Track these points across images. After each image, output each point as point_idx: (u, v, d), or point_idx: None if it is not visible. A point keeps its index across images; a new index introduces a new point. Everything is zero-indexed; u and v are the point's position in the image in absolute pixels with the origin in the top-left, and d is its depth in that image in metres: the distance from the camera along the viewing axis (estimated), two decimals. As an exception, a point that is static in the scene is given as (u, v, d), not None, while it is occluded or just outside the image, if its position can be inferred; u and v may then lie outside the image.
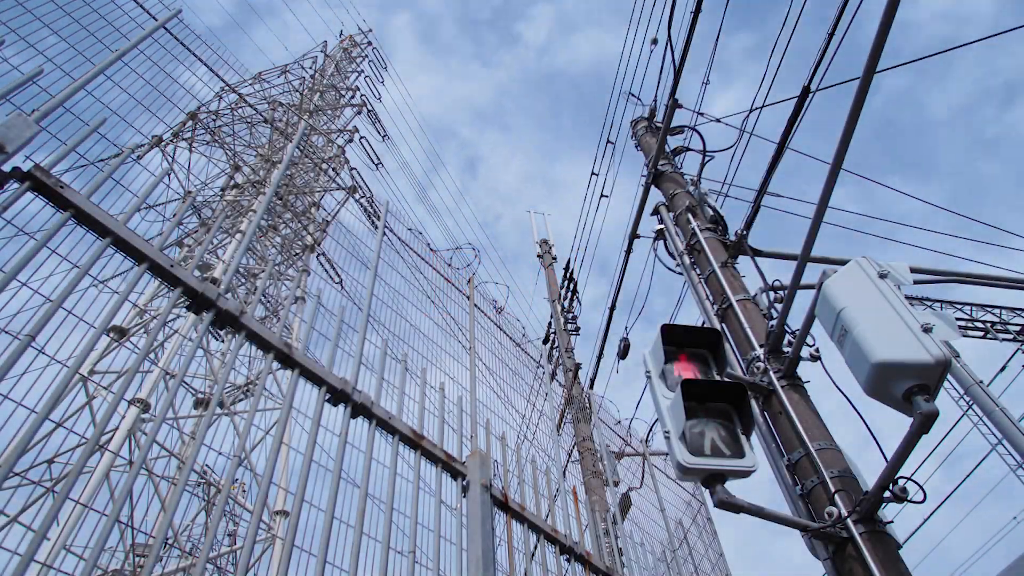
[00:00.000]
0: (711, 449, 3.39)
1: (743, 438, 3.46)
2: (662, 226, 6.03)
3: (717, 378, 3.89)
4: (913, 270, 4.14)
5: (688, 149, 6.68)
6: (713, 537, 9.33)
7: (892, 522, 3.31)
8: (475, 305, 5.25)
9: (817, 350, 4.00)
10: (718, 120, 6.60)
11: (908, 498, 2.97)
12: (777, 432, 3.99)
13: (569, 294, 11.14)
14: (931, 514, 9.65)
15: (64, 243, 2.10)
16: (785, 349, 4.18)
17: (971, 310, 12.30)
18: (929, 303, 11.71)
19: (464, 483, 3.23)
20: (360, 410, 2.87)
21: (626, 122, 7.97)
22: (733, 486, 3.41)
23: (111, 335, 9.88)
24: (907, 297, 3.07)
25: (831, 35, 4.49)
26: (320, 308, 3.15)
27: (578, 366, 10.03)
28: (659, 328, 3.99)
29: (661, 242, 6.08)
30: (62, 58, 5.44)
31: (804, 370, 4.10)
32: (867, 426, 3.41)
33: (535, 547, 3.43)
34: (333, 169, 15.95)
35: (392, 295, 4.99)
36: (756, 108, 5.65)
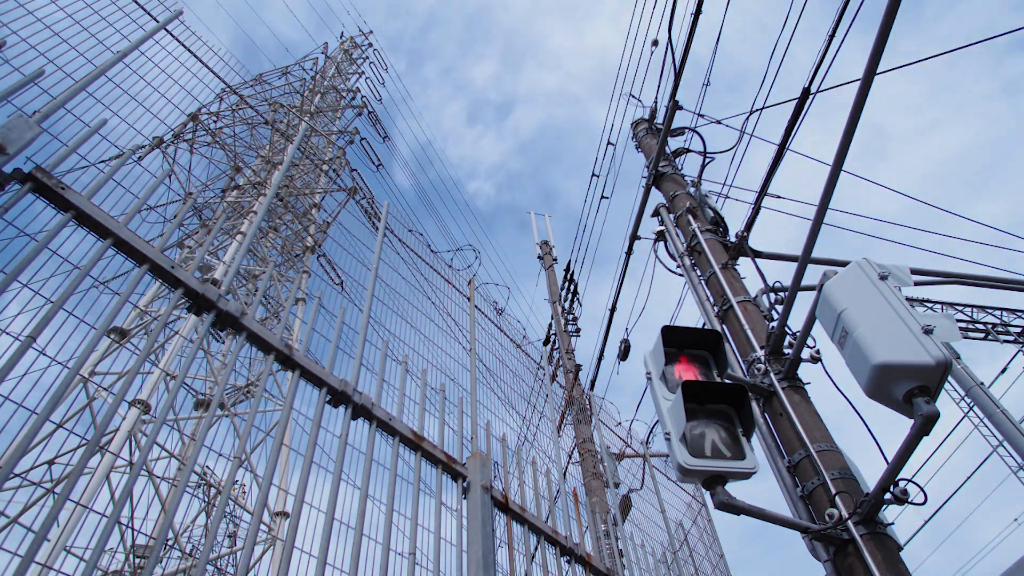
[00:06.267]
0: (712, 451, 3.39)
1: (744, 439, 3.45)
2: (663, 227, 6.03)
3: (718, 379, 3.89)
4: (914, 271, 4.14)
5: (688, 150, 6.68)
6: (714, 539, 9.31)
7: (893, 524, 3.31)
8: (475, 306, 5.24)
9: (818, 351, 3.99)
10: (718, 122, 6.61)
11: (909, 500, 2.96)
12: (778, 433, 3.99)
13: (570, 295, 11.13)
14: (931, 516, 9.64)
15: (65, 244, 2.11)
16: (786, 351, 4.17)
17: (972, 312, 12.30)
18: (930, 304, 11.71)
19: (464, 484, 3.23)
20: (360, 411, 2.87)
21: (627, 123, 7.98)
22: (733, 487, 3.41)
23: (112, 336, 9.89)
24: (907, 299, 3.07)
25: (831, 36, 4.49)
26: (320, 309, 3.16)
27: (578, 367, 10.03)
28: (660, 330, 3.99)
29: (662, 243, 6.08)
30: (63, 59, 5.45)
31: (805, 371, 4.10)
32: (867, 427, 3.41)
33: (535, 549, 3.42)
34: (334, 170, 15.97)
35: (392, 296, 4.99)
36: (756, 110, 5.66)
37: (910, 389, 2.75)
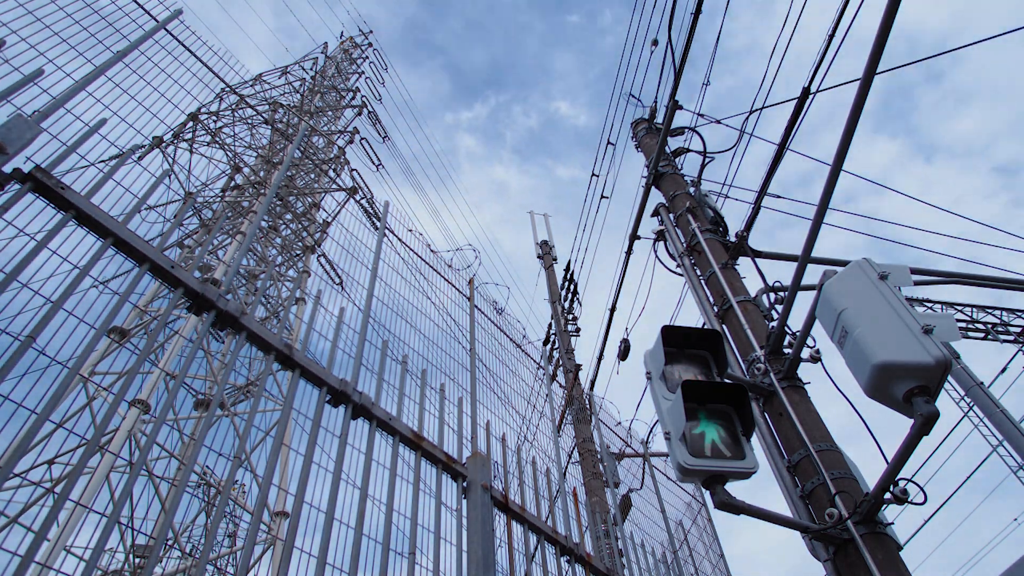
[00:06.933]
0: (711, 450, 3.39)
1: (743, 439, 3.45)
2: (663, 227, 6.03)
3: (717, 379, 3.88)
4: (913, 271, 4.14)
5: (688, 150, 6.68)
6: (713, 539, 9.31)
7: (893, 524, 3.31)
8: (475, 306, 5.24)
9: (817, 351, 3.99)
10: (718, 121, 6.61)
11: (909, 500, 2.96)
12: (778, 433, 3.98)
13: (569, 295, 11.13)
14: (931, 516, 9.63)
15: (65, 244, 2.10)
16: (786, 350, 4.17)
17: (972, 311, 12.30)
18: (930, 304, 11.71)
19: (464, 484, 3.23)
20: (360, 411, 2.87)
21: (626, 123, 7.98)
22: (733, 487, 3.41)
23: (111, 336, 9.89)
24: (907, 298, 3.06)
25: (831, 36, 4.49)
26: (320, 309, 3.15)
27: (578, 367, 10.03)
28: (659, 330, 3.98)
29: (662, 243, 6.08)
30: (63, 59, 5.44)
31: (805, 371, 4.10)
32: (867, 427, 3.41)
33: (535, 548, 3.42)
34: (333, 170, 15.96)
35: (392, 296, 4.99)
36: (756, 109, 5.66)
37: (910, 389, 2.75)
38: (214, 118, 14.27)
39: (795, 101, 4.75)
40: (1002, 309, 12.29)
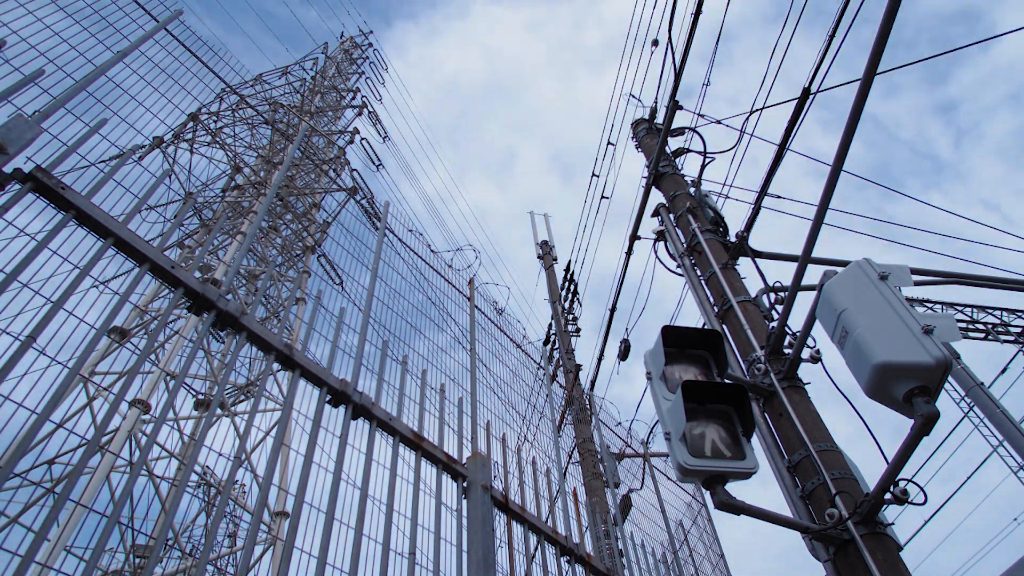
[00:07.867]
0: (712, 451, 3.39)
1: (744, 439, 3.45)
2: (663, 227, 6.03)
3: (718, 380, 3.88)
4: (914, 271, 4.14)
5: (689, 150, 6.67)
6: (714, 539, 9.31)
7: (893, 524, 3.31)
8: (475, 306, 5.24)
9: (818, 351, 3.99)
10: (718, 122, 6.60)
11: (909, 500, 2.96)
12: (778, 433, 3.98)
13: (570, 295, 11.13)
14: (931, 516, 9.62)
15: (65, 244, 2.11)
16: (786, 350, 4.17)
17: (972, 312, 12.30)
18: (930, 304, 11.71)
19: (464, 484, 3.22)
20: (360, 411, 2.87)
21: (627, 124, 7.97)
22: (733, 487, 3.41)
23: (112, 336, 9.89)
24: (907, 299, 3.06)
25: (831, 36, 4.49)
26: (320, 309, 3.15)
27: (579, 367, 10.03)
28: (660, 330, 3.98)
29: (662, 243, 6.08)
30: (63, 59, 5.44)
31: (805, 371, 4.10)
32: (867, 427, 3.41)
33: (535, 548, 3.42)
34: (334, 170, 15.96)
35: (392, 296, 4.99)
36: (756, 110, 5.66)
37: (910, 389, 2.74)
38: (214, 118, 14.28)
39: (795, 101, 4.75)
40: (1002, 309, 12.29)
